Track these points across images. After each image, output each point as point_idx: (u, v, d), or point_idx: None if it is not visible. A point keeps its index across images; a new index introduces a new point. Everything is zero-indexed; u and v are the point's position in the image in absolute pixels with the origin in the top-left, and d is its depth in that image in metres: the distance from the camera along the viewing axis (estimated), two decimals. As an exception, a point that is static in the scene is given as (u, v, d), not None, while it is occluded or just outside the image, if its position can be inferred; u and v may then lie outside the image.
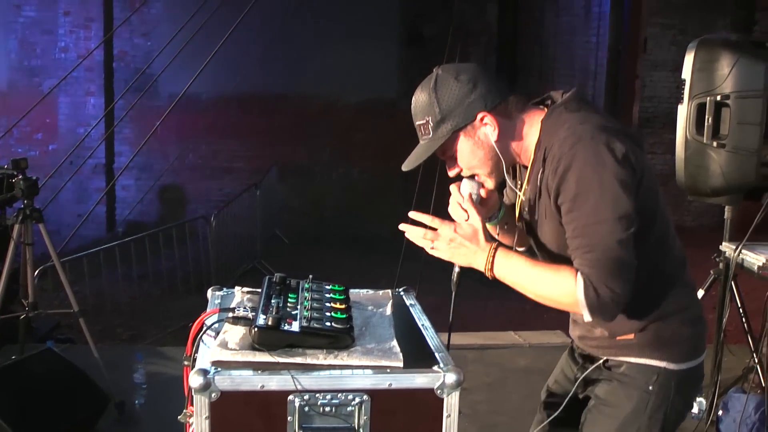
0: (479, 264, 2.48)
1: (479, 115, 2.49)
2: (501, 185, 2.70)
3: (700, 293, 5.20)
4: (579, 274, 2.33)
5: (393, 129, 15.97)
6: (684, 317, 2.60)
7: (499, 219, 2.74)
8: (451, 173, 2.63)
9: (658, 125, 13.45)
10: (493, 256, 2.45)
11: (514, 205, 2.74)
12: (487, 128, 2.50)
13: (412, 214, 2.56)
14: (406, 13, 15.70)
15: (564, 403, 2.79)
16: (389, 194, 14.26)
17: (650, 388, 2.59)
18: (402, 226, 2.55)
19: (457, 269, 2.59)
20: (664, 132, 13.20)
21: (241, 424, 2.24)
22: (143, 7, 13.61)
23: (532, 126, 2.53)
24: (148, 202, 14.48)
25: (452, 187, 2.61)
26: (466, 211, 2.53)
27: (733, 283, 5.03)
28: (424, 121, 2.53)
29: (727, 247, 5.02)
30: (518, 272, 2.44)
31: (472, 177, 2.60)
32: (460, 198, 2.57)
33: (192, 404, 2.24)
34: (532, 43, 15.81)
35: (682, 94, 4.87)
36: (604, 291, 2.30)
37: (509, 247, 2.57)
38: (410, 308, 2.89)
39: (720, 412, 4.87)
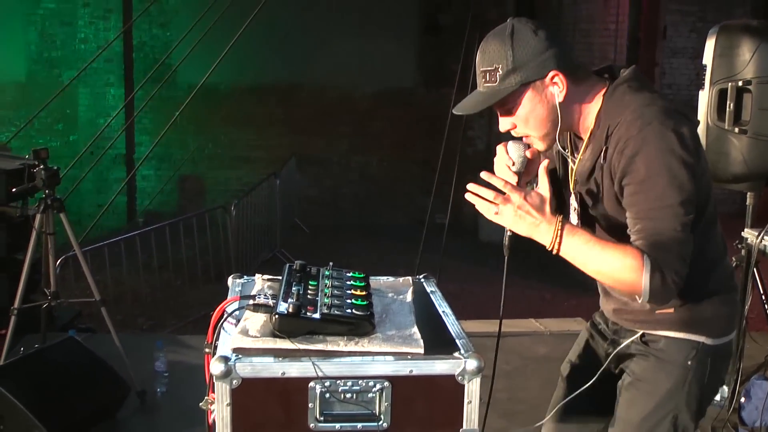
0: (543, 237, 2.42)
1: (551, 73, 2.45)
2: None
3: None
4: (646, 257, 2.31)
5: (411, 118, 16.03)
6: (722, 297, 2.62)
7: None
8: (503, 128, 2.59)
9: (679, 112, 13.36)
10: (561, 230, 2.40)
11: (555, 171, 2.74)
12: (555, 88, 2.47)
13: (484, 175, 2.49)
14: (423, 3, 15.67)
15: (596, 376, 2.77)
16: (407, 183, 14.27)
17: (689, 363, 2.60)
18: (470, 187, 2.47)
19: (508, 233, 2.51)
20: (685, 119, 13.12)
21: (262, 410, 2.25)
22: (162, -3, 13.66)
23: (594, 97, 2.53)
24: (168, 192, 14.55)
25: (499, 147, 2.59)
26: (516, 174, 2.54)
27: (755, 269, 5.00)
28: (493, 68, 2.46)
29: (749, 234, 4.99)
30: (584, 250, 2.40)
31: (519, 139, 2.57)
32: (507, 160, 2.55)
33: (213, 391, 2.25)
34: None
35: (703, 80, 4.84)
36: (671, 275, 2.31)
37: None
38: (430, 295, 2.88)
39: (742, 399, 4.86)
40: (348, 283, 2.65)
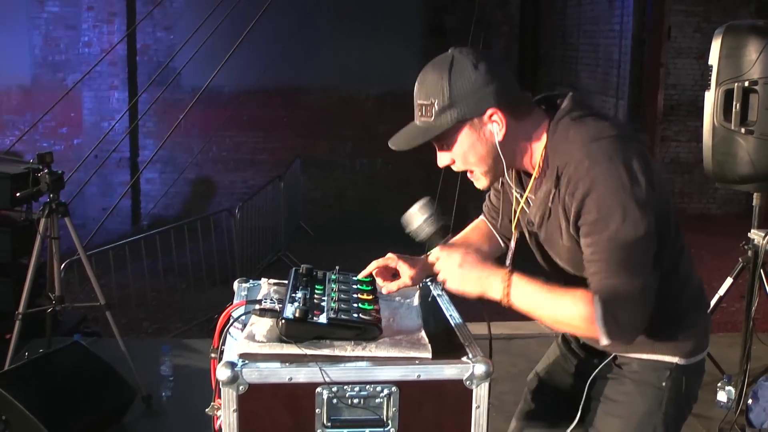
0: (494, 290, 2.36)
1: (489, 111, 2.33)
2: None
3: (728, 281, 5.17)
4: (597, 299, 2.25)
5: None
6: (694, 315, 2.58)
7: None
8: (441, 164, 2.48)
9: (683, 113, 13.37)
10: (509, 280, 2.35)
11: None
12: (494, 126, 2.35)
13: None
14: (428, 4, 15.66)
15: (581, 406, 2.69)
16: (412, 186, 14.23)
17: (663, 384, 2.55)
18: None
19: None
20: (689, 119, 13.13)
21: (269, 416, 2.23)
22: (165, 0, 13.64)
23: (536, 131, 2.41)
24: (173, 196, 14.54)
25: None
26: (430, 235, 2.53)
27: (762, 270, 4.98)
28: (429, 102, 2.36)
29: (755, 235, 4.97)
30: (535, 299, 2.34)
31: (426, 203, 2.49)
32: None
33: (220, 397, 2.23)
34: (555, 32, 15.73)
35: (709, 80, 4.82)
36: (624, 318, 2.25)
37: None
38: (437, 299, 2.86)
39: (750, 401, 4.84)
40: (354, 287, 2.63)
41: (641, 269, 2.26)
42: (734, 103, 4.70)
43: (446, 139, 2.40)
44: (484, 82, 2.32)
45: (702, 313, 2.63)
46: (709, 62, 4.82)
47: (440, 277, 2.43)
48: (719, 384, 5.23)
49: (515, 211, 2.58)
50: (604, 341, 2.28)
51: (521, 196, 2.54)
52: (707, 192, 13.47)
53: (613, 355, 2.63)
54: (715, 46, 4.77)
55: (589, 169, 2.26)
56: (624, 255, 2.25)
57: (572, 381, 2.81)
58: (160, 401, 5.28)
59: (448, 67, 2.34)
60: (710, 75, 4.80)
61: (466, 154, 2.41)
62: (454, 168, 2.47)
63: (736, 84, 4.69)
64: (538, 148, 2.41)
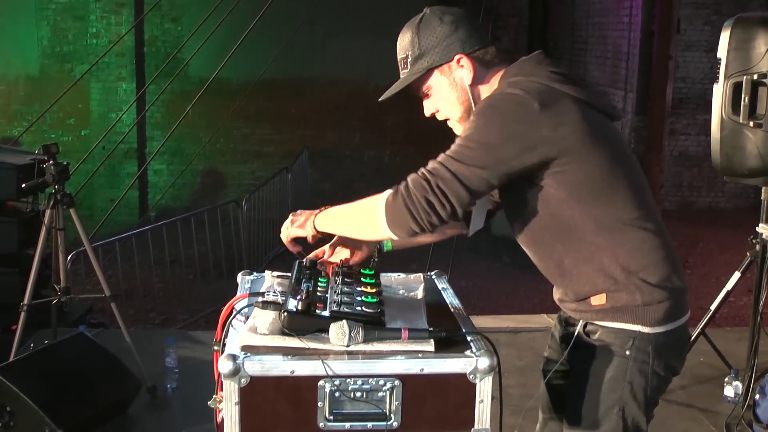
0: (309, 227, 2.66)
1: (456, 56, 2.54)
2: None
3: (736, 276, 5.14)
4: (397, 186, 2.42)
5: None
6: (655, 284, 2.49)
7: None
8: (427, 113, 2.68)
9: (692, 106, 13.33)
10: (316, 215, 2.65)
11: None
12: (463, 71, 2.55)
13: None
14: (436, -5, 15.64)
15: (553, 369, 2.76)
16: (420, 178, 14.22)
17: (627, 353, 2.51)
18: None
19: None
20: (698, 113, 13.09)
21: (271, 409, 2.22)
22: (173, -9, 13.66)
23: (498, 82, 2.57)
24: (180, 187, 14.55)
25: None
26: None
27: (770, 265, 4.96)
28: (405, 55, 2.61)
29: (764, 229, 4.94)
30: (338, 213, 2.62)
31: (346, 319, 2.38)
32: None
33: (222, 389, 2.22)
34: (564, 24, 15.68)
35: (718, 73, 4.78)
36: (403, 187, 2.41)
37: None
38: (442, 292, 2.85)
39: (757, 396, 4.81)
40: (358, 280, 2.62)
41: (466, 164, 2.33)
42: (743, 96, 4.66)
43: (422, 87, 2.62)
44: (449, 31, 2.55)
45: (667, 282, 2.51)
46: (718, 55, 4.78)
47: (288, 230, 2.77)
48: (726, 379, 5.20)
49: None
50: (384, 223, 2.43)
51: None
52: (716, 185, 13.43)
53: (585, 323, 2.60)
54: (724, 38, 4.73)
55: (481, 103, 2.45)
56: (457, 148, 2.37)
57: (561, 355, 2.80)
58: (165, 393, 5.27)
59: (418, 22, 2.60)
60: (718, 68, 4.77)
61: (441, 100, 2.61)
62: (438, 116, 2.66)
63: (744, 77, 4.65)
64: None
